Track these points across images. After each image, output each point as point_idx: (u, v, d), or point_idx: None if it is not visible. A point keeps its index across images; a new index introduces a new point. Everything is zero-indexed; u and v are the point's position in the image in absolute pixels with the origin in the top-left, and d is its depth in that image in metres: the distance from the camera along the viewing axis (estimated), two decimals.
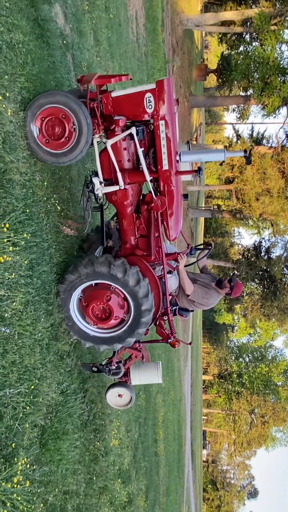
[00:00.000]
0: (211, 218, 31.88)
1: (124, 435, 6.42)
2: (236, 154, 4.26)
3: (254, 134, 24.18)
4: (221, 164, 27.88)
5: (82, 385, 4.45)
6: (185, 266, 4.66)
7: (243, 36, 23.54)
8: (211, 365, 57.12)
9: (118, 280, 3.76)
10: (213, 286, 4.95)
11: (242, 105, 25.69)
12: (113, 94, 3.53)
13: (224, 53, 25.50)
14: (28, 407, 3.09)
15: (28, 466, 3.04)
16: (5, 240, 2.94)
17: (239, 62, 20.62)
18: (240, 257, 30.33)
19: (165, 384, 12.40)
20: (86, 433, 4.51)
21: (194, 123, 28.35)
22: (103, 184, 3.81)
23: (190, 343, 6.65)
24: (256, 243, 27.97)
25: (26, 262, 3.25)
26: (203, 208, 30.05)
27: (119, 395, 4.52)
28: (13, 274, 3.06)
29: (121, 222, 4.12)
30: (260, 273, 26.50)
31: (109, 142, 3.63)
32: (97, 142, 3.71)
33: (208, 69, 26.15)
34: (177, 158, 3.78)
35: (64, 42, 4.75)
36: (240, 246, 39.76)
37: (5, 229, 2.94)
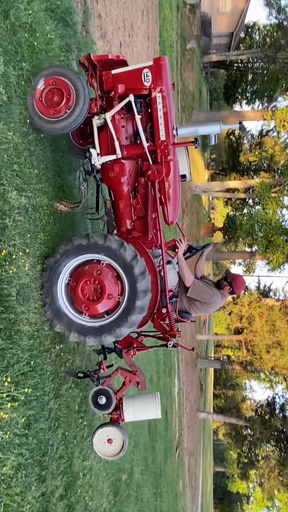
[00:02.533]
0: (221, 369, 30.79)
1: None
2: (231, 126, 4.45)
3: (261, 287, 24.92)
4: (230, 314, 28.11)
5: None
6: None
7: (246, 200, 26.06)
8: None
9: (112, 252, 3.46)
10: (215, 288, 4.49)
11: (248, 260, 27.05)
12: (113, 72, 3.73)
13: (230, 213, 27.95)
14: None
15: None
16: (5, 395, 2.79)
17: (243, 222, 22.42)
18: (253, 414, 28.33)
19: None
20: None
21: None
22: (100, 155, 3.79)
23: (192, 349, 5.23)
24: (269, 399, 26.41)
25: (23, 419, 3.02)
26: (213, 358, 29.28)
27: (109, 440, 3.64)
28: (8, 433, 2.81)
29: (117, 204, 3.99)
30: (275, 433, 24.39)
31: (108, 115, 3.72)
32: (97, 124, 3.80)
33: (215, 227, 28.34)
34: (174, 132, 3.82)
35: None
36: (252, 401, 37.44)
37: (6, 383, 2.81)
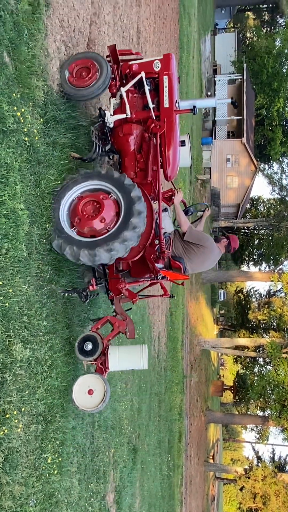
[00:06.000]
0: None
1: None
2: (224, 101, 5.40)
3: (276, 458, 22.49)
4: (241, 489, 24.81)
5: None
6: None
7: (257, 359, 25.38)
8: None
9: (113, 180, 3.91)
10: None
11: (261, 426, 25.04)
12: (131, 62, 4.50)
13: (240, 371, 26.96)
14: None
15: None
16: None
17: (254, 382, 21.42)
18: None
19: None
20: None
21: (211, 439, 27.08)
22: (111, 115, 4.38)
23: (182, 283, 4.44)
24: None
25: None
26: None
27: (90, 391, 3.47)
28: None
29: (123, 160, 4.50)
30: None
31: (124, 89, 4.40)
32: (113, 104, 4.46)
33: (225, 385, 27.07)
34: (176, 104, 4.44)
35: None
36: None
37: None
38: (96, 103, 5.35)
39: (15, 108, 3.30)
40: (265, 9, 49.53)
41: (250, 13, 52.48)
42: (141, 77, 4.43)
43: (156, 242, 4.16)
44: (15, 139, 3.32)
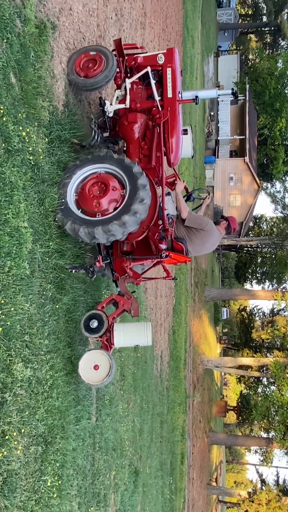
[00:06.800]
0: None
1: None
2: (225, 92, 5.06)
3: (280, 481, 21.97)
4: None
5: None
6: None
7: (260, 379, 25.04)
8: None
9: (116, 162, 4.09)
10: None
11: (265, 448, 24.55)
12: (135, 56, 4.63)
13: (243, 392, 26.57)
14: None
15: None
16: None
17: (258, 403, 21.08)
18: None
19: None
20: None
21: (214, 461, 26.54)
22: (111, 105, 4.54)
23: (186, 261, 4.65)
24: None
25: None
26: None
27: (95, 366, 3.63)
28: None
29: (128, 147, 4.62)
30: None
31: (129, 80, 4.59)
32: (117, 95, 4.65)
33: (228, 406, 26.65)
34: (179, 95, 4.59)
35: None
36: None
37: None
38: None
39: (21, 128, 3.34)
40: (267, 31, 50.51)
41: (252, 36, 53.52)
42: (147, 71, 4.65)
43: (160, 223, 4.36)
44: (20, 158, 3.35)
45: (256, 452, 29.12)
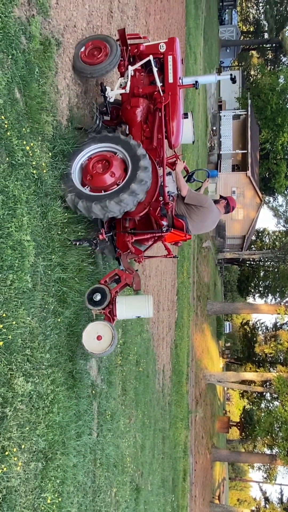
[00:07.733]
0: None
1: None
2: (224, 77, 5.14)
3: (284, 499, 21.56)
4: None
5: None
6: None
7: (264, 394, 24.75)
8: None
9: (120, 140, 4.30)
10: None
11: (268, 464, 24.16)
12: (138, 44, 4.77)
13: (246, 407, 26.25)
14: None
15: None
16: None
17: (261, 418, 20.81)
18: None
19: None
20: None
21: (216, 478, 26.10)
22: (111, 90, 4.69)
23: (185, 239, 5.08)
24: None
25: None
26: None
27: (98, 337, 3.79)
28: None
29: (130, 130, 4.77)
30: None
31: (132, 68, 4.71)
32: (121, 82, 4.77)
33: (231, 421, 26.31)
34: (179, 80, 4.71)
35: (93, 391, 4.97)
36: None
37: None
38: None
39: (25, 142, 3.37)
40: (268, 48, 51.22)
41: (254, 52, 54.28)
42: (149, 59, 4.81)
43: (161, 199, 4.54)
44: (24, 172, 3.37)
45: (259, 469, 28.62)
